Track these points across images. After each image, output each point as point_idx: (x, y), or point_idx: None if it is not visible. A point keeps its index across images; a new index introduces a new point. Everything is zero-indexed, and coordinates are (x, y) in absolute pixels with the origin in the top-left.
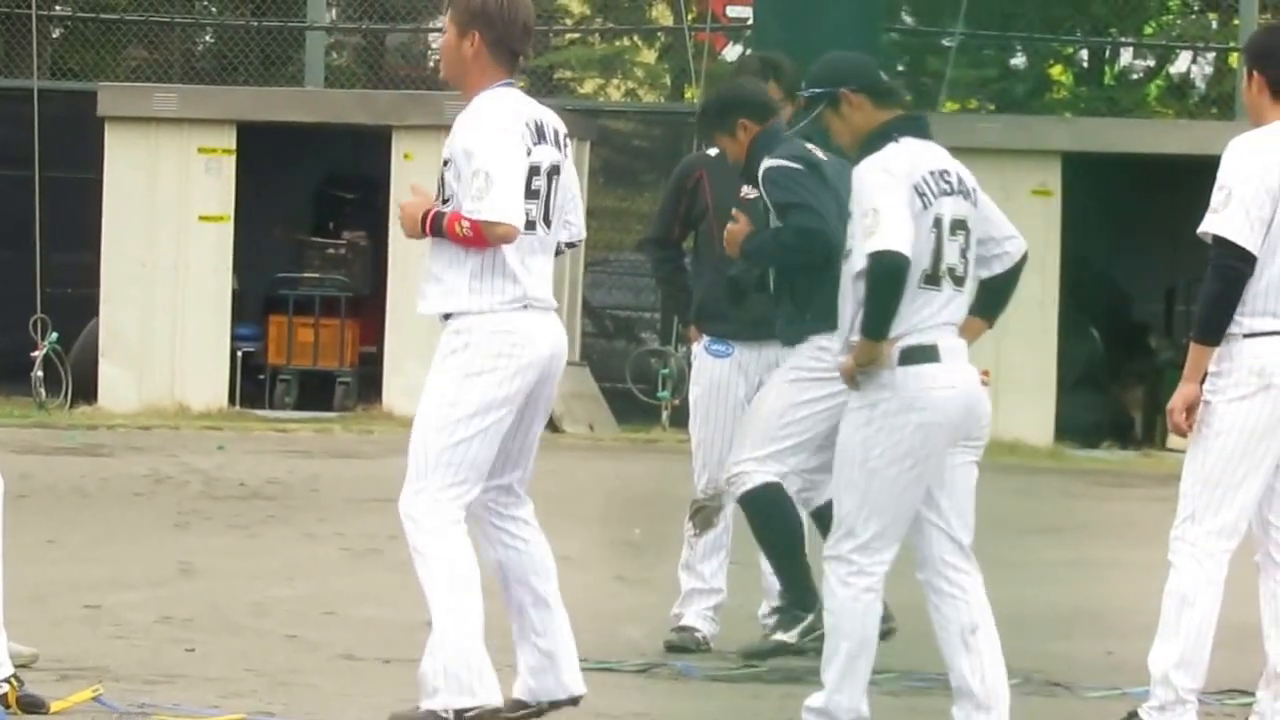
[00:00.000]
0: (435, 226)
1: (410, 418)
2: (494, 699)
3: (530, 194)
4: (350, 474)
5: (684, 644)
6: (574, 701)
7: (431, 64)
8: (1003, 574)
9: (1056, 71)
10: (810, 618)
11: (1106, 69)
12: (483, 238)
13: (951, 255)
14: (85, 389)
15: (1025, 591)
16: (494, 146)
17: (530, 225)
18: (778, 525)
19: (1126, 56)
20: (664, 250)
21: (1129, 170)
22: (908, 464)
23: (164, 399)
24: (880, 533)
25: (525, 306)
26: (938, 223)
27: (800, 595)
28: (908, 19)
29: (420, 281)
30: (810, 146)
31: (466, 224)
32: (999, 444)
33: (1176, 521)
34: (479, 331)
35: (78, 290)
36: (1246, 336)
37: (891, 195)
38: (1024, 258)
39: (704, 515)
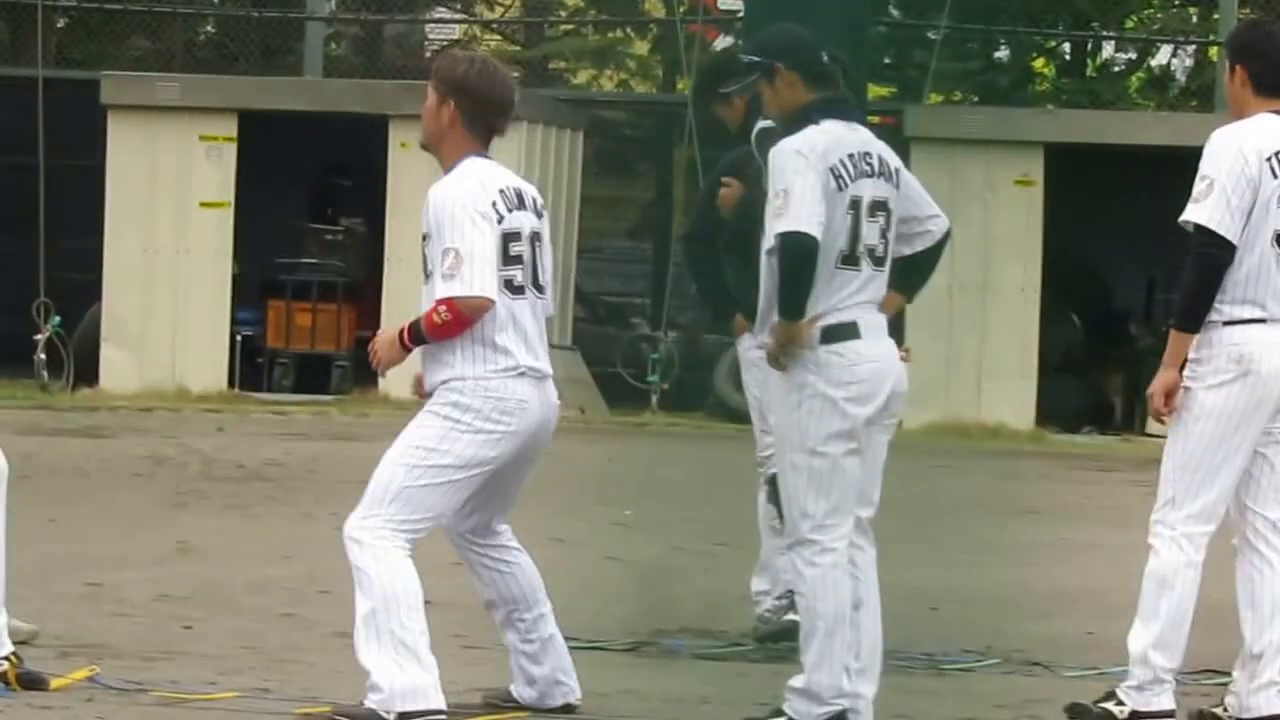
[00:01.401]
0: (415, 336)
1: (407, 401)
2: (439, 703)
3: (511, 260)
4: (347, 456)
5: (784, 634)
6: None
7: (428, 54)
8: (985, 556)
9: (1039, 64)
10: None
11: (1088, 62)
12: (460, 315)
13: (870, 236)
14: (87, 372)
15: (1006, 573)
16: (459, 224)
17: (518, 290)
18: None
19: (1108, 49)
20: (701, 245)
21: (1110, 161)
22: (843, 439)
23: (164, 382)
24: (833, 508)
25: (520, 374)
26: (855, 204)
27: None
28: (894, 12)
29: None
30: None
31: (443, 309)
32: (982, 428)
33: (1156, 505)
34: (473, 394)
35: (81, 275)
36: (1226, 324)
37: (803, 177)
38: (946, 235)
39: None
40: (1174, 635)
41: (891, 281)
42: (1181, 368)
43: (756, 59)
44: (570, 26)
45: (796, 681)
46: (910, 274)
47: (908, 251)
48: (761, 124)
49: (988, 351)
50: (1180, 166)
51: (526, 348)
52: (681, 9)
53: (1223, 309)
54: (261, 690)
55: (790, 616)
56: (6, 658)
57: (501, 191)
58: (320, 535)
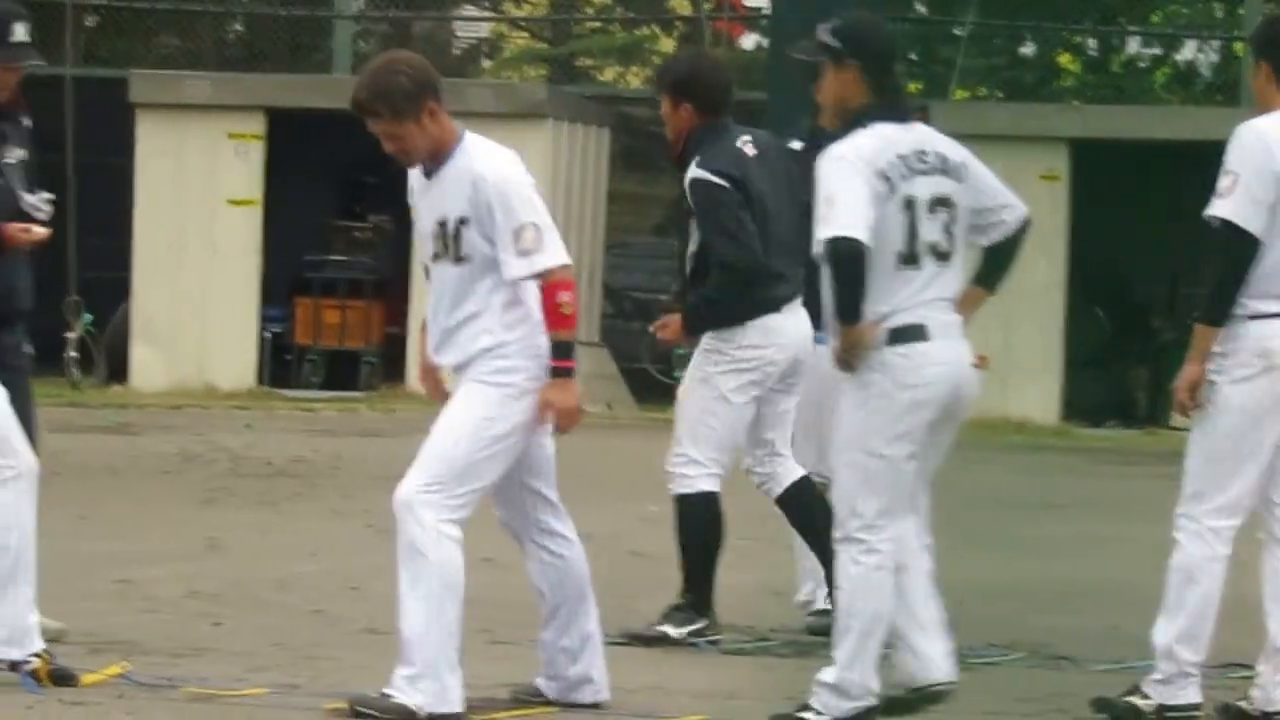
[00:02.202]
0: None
1: None
2: (459, 707)
3: None
4: (374, 452)
5: (822, 628)
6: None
7: (457, 52)
8: (1010, 550)
9: (1065, 60)
10: (703, 623)
11: (1114, 57)
12: (570, 284)
13: (931, 232)
14: (117, 369)
15: (1031, 567)
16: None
17: None
18: (706, 534)
19: (1134, 45)
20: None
21: (1135, 156)
22: (904, 442)
23: (193, 379)
24: (884, 509)
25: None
26: (909, 203)
27: (700, 601)
28: (920, 8)
29: (432, 339)
30: (744, 140)
31: (566, 296)
32: (1007, 423)
33: (1181, 499)
34: (518, 356)
35: (110, 273)
36: (1251, 318)
37: (847, 182)
38: (1024, 224)
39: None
40: (1199, 629)
41: (973, 276)
42: (1207, 361)
43: (834, 43)
44: (597, 24)
45: (826, 676)
46: (989, 266)
47: (984, 243)
48: (695, 172)
49: (1013, 347)
50: (1205, 161)
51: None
52: (708, 6)
53: (1247, 303)
54: (290, 686)
55: (663, 628)
56: (38, 654)
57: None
58: (348, 532)
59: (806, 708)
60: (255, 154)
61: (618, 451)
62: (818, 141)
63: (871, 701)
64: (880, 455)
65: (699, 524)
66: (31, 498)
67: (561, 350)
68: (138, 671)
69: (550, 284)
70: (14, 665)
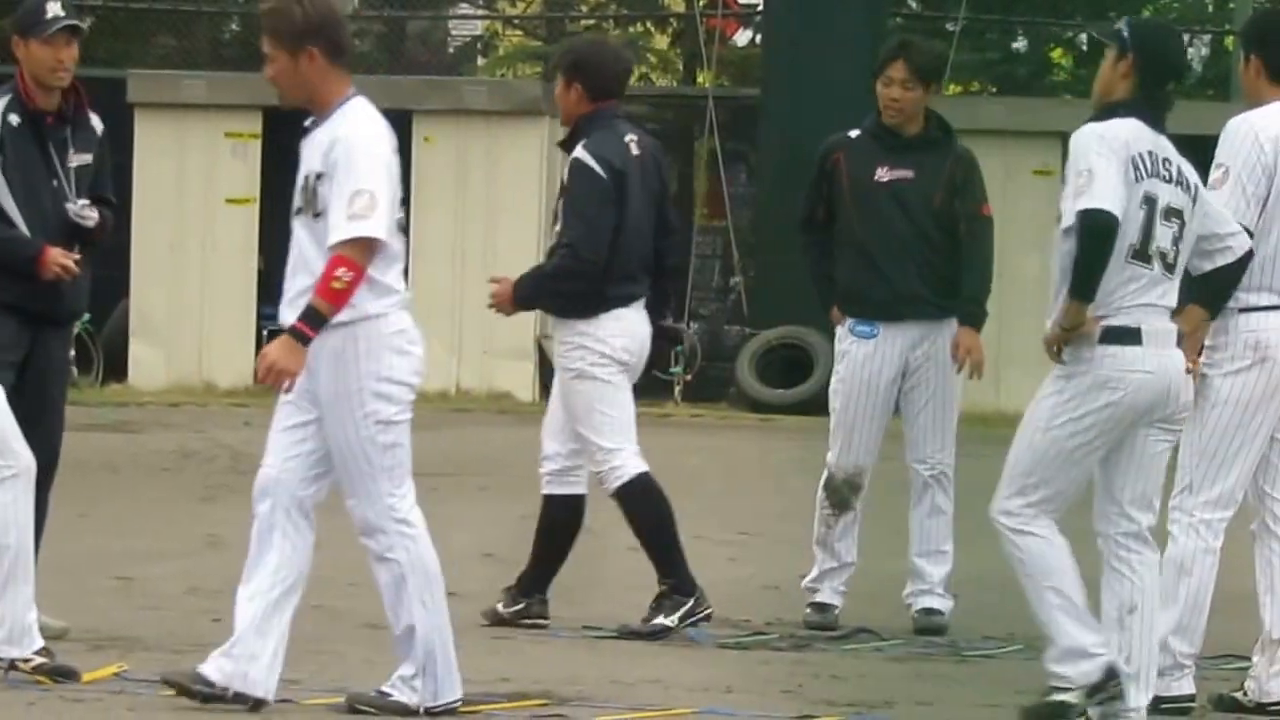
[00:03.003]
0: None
1: (430, 393)
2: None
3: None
4: None
5: (825, 623)
6: None
7: (451, 50)
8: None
9: (1057, 54)
10: (691, 602)
11: (1106, 52)
12: (359, 267)
13: (1163, 239)
14: (116, 367)
15: None
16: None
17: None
18: (656, 514)
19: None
20: (808, 233)
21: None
22: (1088, 438)
23: (192, 377)
24: (1048, 497)
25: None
26: (1149, 201)
27: (681, 580)
28: (913, 4)
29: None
30: (631, 139)
31: (346, 274)
32: (1003, 417)
33: (1174, 492)
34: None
35: (108, 272)
36: (1242, 311)
37: (1105, 159)
38: (1249, 254)
39: (840, 496)
40: (1193, 621)
41: (1195, 296)
42: (1201, 351)
43: (1124, 33)
44: (591, 21)
45: (1052, 652)
46: (1211, 290)
47: (1208, 267)
48: (579, 153)
49: (1006, 340)
50: (1197, 154)
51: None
52: (702, 3)
53: (1239, 295)
54: (292, 681)
55: (660, 620)
56: (38, 653)
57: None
58: (346, 527)
59: (1051, 690)
60: (252, 153)
61: None
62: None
63: (1105, 653)
64: (1060, 442)
65: (646, 506)
66: (29, 497)
67: (309, 316)
68: (138, 668)
69: (339, 256)
70: (13, 664)
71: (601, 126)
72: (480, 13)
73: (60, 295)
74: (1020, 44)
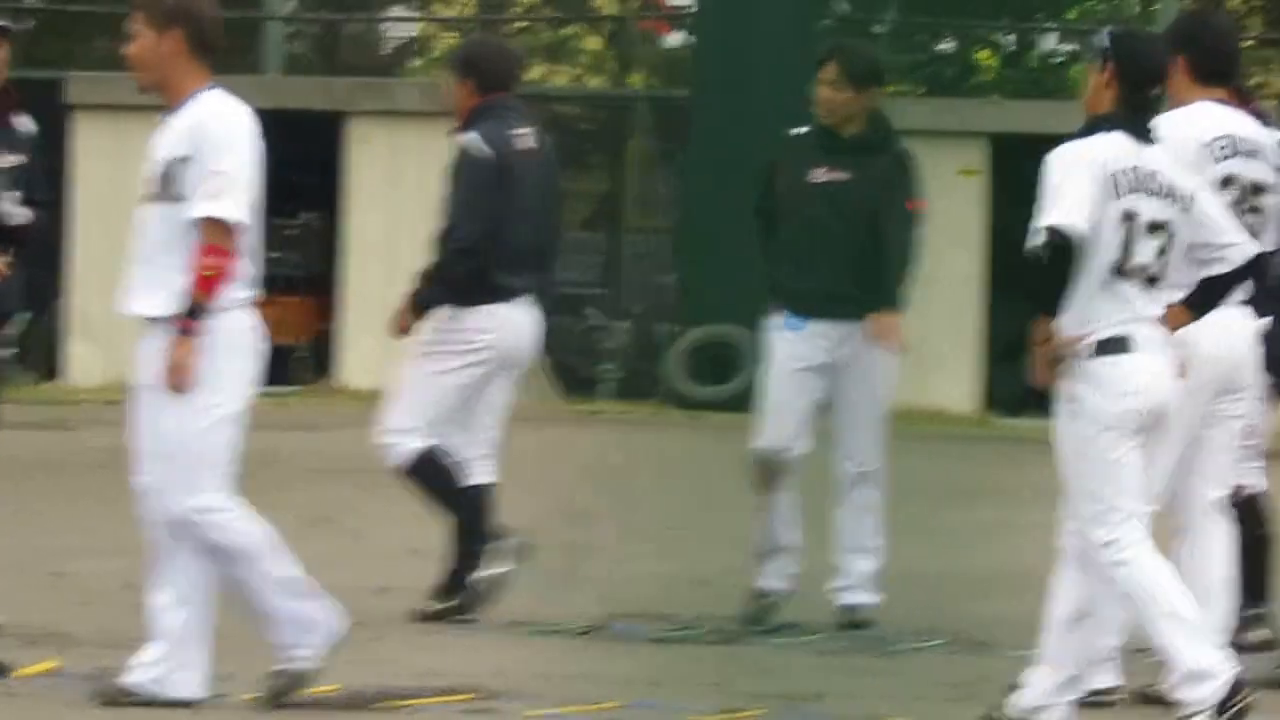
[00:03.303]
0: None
1: (365, 391)
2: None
3: None
4: (306, 446)
5: (760, 615)
6: None
7: (386, 52)
8: (930, 538)
9: (983, 56)
10: (490, 554)
11: (1031, 53)
12: (225, 252)
13: (1145, 254)
14: (53, 366)
15: (951, 555)
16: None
17: None
18: (443, 485)
19: (1050, 41)
20: (762, 219)
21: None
22: (1122, 445)
23: (129, 375)
24: (1126, 514)
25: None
26: (1129, 216)
27: (477, 534)
28: (842, 5)
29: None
30: (522, 131)
31: (213, 262)
32: (926, 413)
33: None
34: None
35: (47, 271)
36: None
37: (1071, 174)
38: (1248, 263)
39: (760, 474)
40: (1115, 615)
41: (1185, 297)
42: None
43: (1106, 45)
44: (524, 23)
45: (1176, 676)
46: (1201, 294)
47: (1204, 274)
48: (468, 137)
49: (933, 338)
50: None
51: None
52: (634, 5)
53: None
54: (226, 676)
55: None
56: None
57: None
58: (281, 523)
59: (1180, 707)
60: None
61: (544, 444)
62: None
63: (1231, 670)
64: (1102, 460)
65: (435, 474)
66: None
67: (191, 310)
68: (73, 663)
69: (205, 245)
70: None
71: (491, 117)
72: (414, 15)
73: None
74: (946, 45)
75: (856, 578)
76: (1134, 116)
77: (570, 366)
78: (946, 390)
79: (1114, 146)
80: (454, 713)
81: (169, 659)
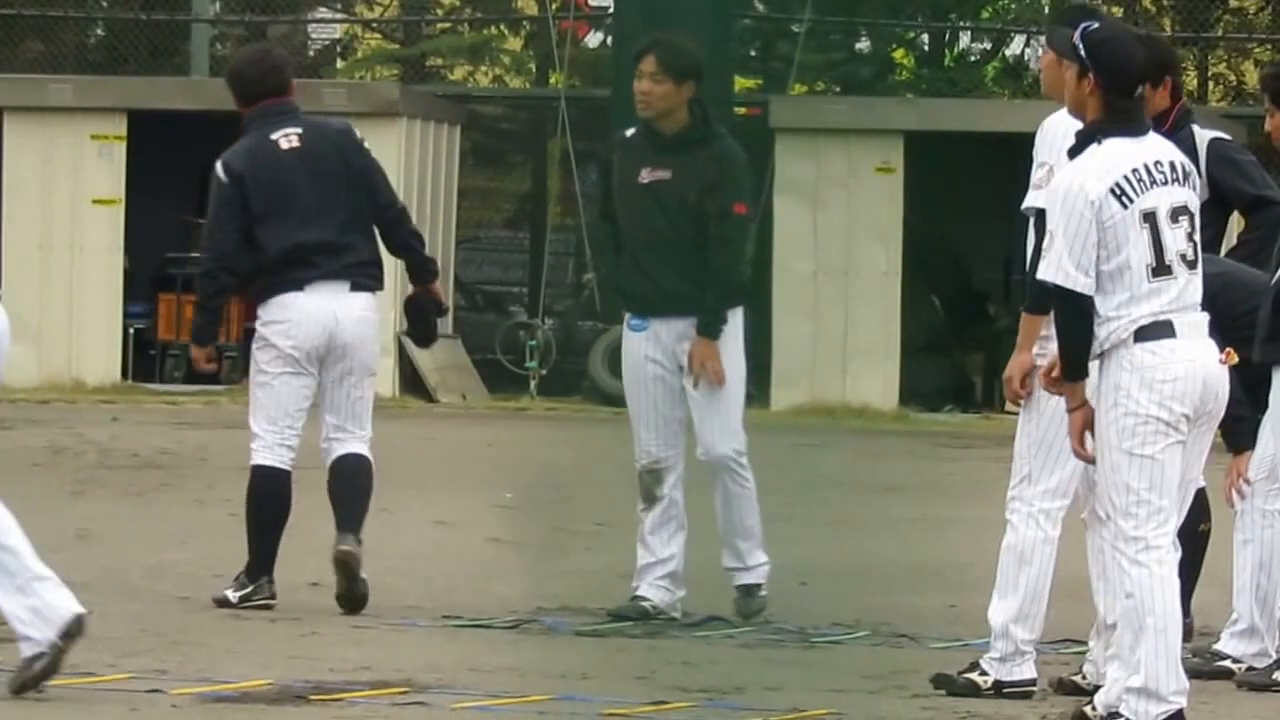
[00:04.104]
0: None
1: None
2: None
3: None
4: (237, 443)
5: (626, 613)
6: None
7: (311, 53)
8: (852, 532)
9: (899, 55)
10: (252, 588)
11: (946, 52)
12: None
13: (1177, 242)
14: None
15: (872, 547)
16: None
17: None
18: (259, 506)
19: (965, 40)
20: (604, 226)
21: (968, 147)
22: (1161, 438)
23: (61, 374)
24: (1156, 507)
25: None
26: (1149, 216)
27: (258, 564)
28: (760, 5)
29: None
30: (284, 133)
31: None
32: (847, 408)
33: (1012, 482)
34: None
35: None
36: None
37: (1070, 220)
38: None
39: (643, 485)
40: (1033, 608)
41: None
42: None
43: (1080, 52)
44: (447, 25)
45: (1134, 681)
46: None
47: None
48: (224, 156)
49: (852, 333)
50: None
51: None
52: (554, 6)
53: None
54: (160, 671)
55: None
56: None
57: None
58: (213, 520)
59: (1116, 716)
60: (118, 155)
61: (472, 441)
62: None
63: (1182, 702)
64: (1136, 453)
65: (252, 495)
66: None
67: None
68: (7, 659)
69: None
70: None
71: (252, 129)
72: (339, 17)
73: None
74: (863, 45)
75: (743, 558)
76: (1125, 117)
77: (496, 364)
78: (868, 386)
79: (1107, 157)
80: (384, 706)
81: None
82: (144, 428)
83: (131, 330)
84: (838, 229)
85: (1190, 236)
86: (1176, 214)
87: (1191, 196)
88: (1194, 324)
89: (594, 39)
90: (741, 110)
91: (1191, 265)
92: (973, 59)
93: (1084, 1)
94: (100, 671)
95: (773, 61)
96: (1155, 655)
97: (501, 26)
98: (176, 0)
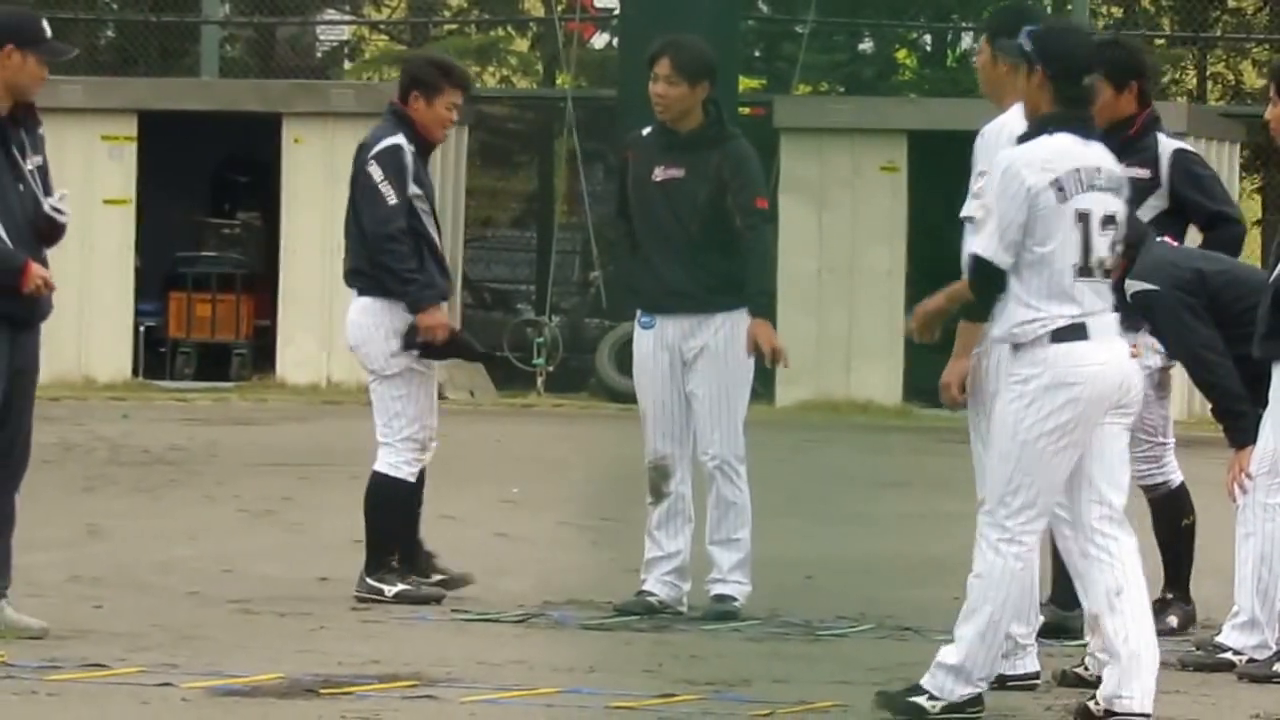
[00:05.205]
0: None
1: (303, 386)
2: None
3: None
4: (247, 440)
5: (633, 608)
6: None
7: (320, 54)
8: (857, 526)
9: (902, 55)
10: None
11: (949, 52)
12: None
13: (1102, 248)
14: None
15: (878, 542)
16: None
17: None
18: None
19: (967, 40)
20: (620, 225)
21: (971, 146)
22: (1057, 436)
23: (72, 372)
24: (1030, 501)
25: None
26: (1083, 217)
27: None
28: (763, 7)
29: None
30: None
31: None
32: (852, 404)
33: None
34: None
35: None
36: None
37: (1005, 200)
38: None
39: (651, 482)
40: (1025, 604)
41: None
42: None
43: (1027, 47)
44: (454, 26)
45: (948, 658)
46: None
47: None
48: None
49: (856, 331)
50: None
51: None
52: (560, 7)
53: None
54: (170, 665)
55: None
56: None
57: None
58: (222, 516)
59: (919, 690)
60: (128, 155)
61: (479, 437)
62: None
63: (984, 688)
64: (1030, 445)
65: None
66: None
67: None
68: (21, 654)
69: None
70: None
71: None
72: (347, 18)
73: (34, 298)
74: (866, 45)
75: (721, 570)
76: (1074, 114)
77: (504, 360)
78: (872, 382)
79: (1059, 149)
80: (394, 699)
81: None
82: (154, 424)
83: (142, 328)
84: (842, 228)
85: (1114, 246)
86: (1107, 222)
87: (1122, 209)
88: (1106, 325)
89: (600, 40)
90: (746, 110)
91: (1107, 275)
92: (975, 59)
93: (1018, 2)
94: (111, 665)
95: (777, 62)
96: (981, 640)
97: (508, 28)
98: (186, 2)
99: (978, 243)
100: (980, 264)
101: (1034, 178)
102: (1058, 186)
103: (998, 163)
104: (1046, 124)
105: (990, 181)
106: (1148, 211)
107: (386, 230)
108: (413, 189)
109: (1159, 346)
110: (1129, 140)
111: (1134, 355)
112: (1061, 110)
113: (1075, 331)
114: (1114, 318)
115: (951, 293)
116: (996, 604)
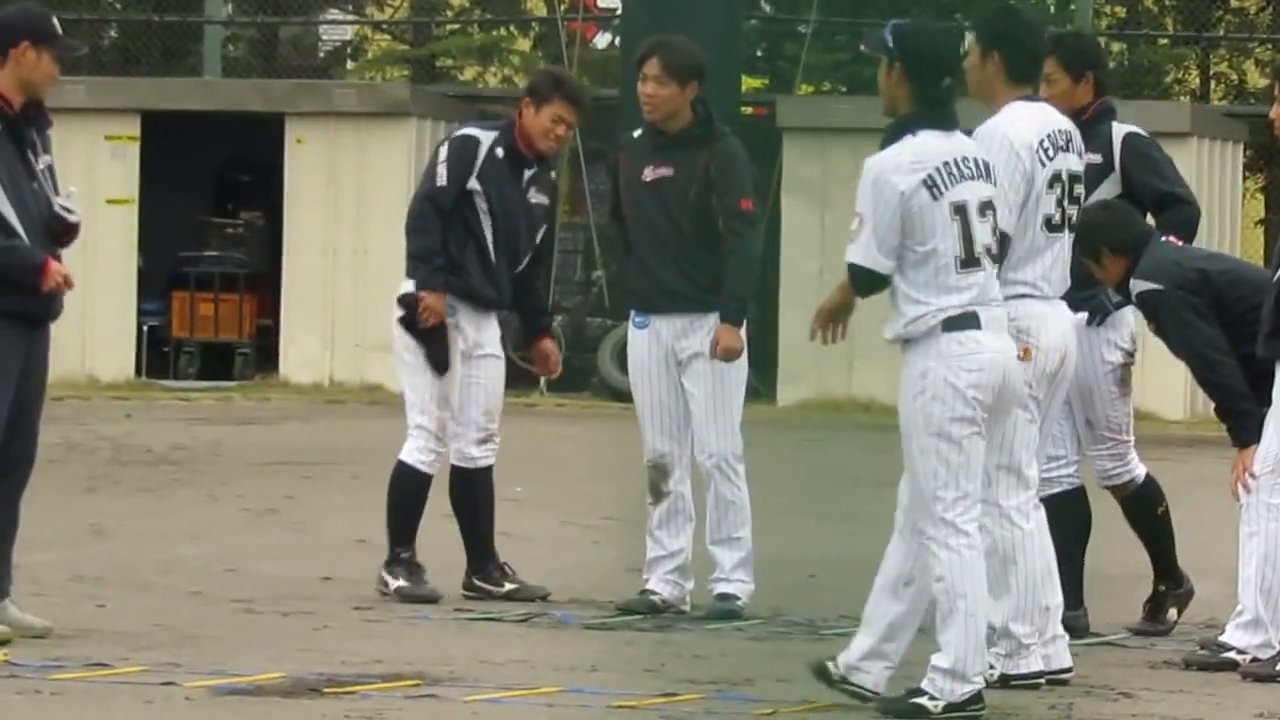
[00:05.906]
0: None
1: (306, 385)
2: None
3: None
4: (250, 439)
5: (635, 607)
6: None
7: (322, 54)
8: (859, 525)
9: None
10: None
11: None
12: None
13: (984, 236)
14: None
15: (879, 541)
16: None
17: None
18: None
19: (969, 40)
20: (616, 224)
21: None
22: (966, 425)
23: (75, 371)
24: (963, 492)
25: None
26: (960, 209)
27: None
28: (766, 7)
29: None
30: None
31: None
32: (854, 403)
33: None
34: None
35: None
36: (1008, 299)
37: (877, 209)
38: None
39: (650, 481)
40: (1027, 603)
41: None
42: None
43: (888, 43)
44: (456, 26)
45: (941, 661)
46: None
47: None
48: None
49: (858, 330)
50: None
51: None
52: (562, 7)
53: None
54: (173, 664)
55: None
56: None
57: None
58: (225, 516)
59: (919, 692)
60: (131, 155)
61: None
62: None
63: (982, 684)
64: (947, 438)
65: None
66: None
67: None
68: (24, 653)
69: None
70: None
71: None
72: (350, 18)
73: (52, 296)
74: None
75: (723, 569)
76: (933, 111)
77: (505, 360)
78: (874, 381)
79: (924, 147)
80: (397, 699)
81: None
82: (157, 424)
83: (145, 327)
84: (845, 228)
85: (994, 231)
86: (984, 208)
87: (995, 192)
88: (996, 318)
89: (602, 40)
90: (748, 110)
91: (995, 259)
92: (965, 61)
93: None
94: (114, 664)
95: (779, 62)
96: (964, 638)
97: (511, 28)
98: (189, 2)
99: (855, 252)
100: (860, 272)
101: (905, 181)
102: (929, 184)
103: (866, 171)
104: (907, 125)
105: (861, 191)
106: (1100, 197)
107: (419, 206)
108: (473, 184)
109: (1121, 342)
110: (1082, 127)
111: (1022, 359)
112: (920, 109)
113: (967, 320)
114: (1003, 312)
115: (846, 287)
116: (967, 599)
